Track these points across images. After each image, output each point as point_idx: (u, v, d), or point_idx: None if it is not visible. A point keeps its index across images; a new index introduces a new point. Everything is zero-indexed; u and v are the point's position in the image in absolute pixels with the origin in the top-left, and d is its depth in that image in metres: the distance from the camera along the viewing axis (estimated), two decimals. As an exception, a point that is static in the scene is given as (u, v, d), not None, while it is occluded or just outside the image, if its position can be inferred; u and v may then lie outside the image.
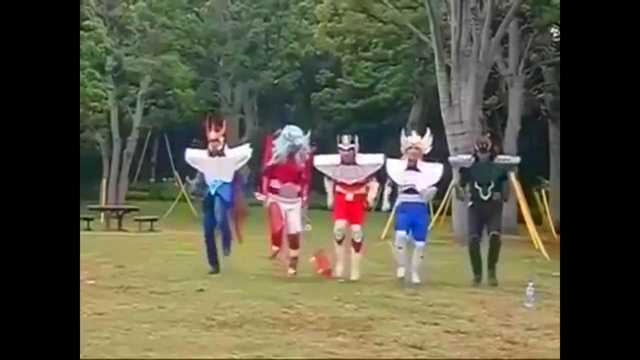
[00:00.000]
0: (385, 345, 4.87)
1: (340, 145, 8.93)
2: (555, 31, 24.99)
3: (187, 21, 28.85)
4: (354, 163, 8.86)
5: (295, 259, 8.67)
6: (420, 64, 27.76)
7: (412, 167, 8.52)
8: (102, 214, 22.26)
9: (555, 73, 23.39)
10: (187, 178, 9.91)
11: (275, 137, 8.71)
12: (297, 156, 8.55)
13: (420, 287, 7.99)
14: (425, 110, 29.80)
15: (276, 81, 31.78)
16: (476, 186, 8.60)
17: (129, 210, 21.16)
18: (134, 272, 8.77)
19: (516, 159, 9.73)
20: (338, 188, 8.94)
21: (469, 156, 9.11)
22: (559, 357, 3.75)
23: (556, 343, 4.79)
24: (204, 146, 9.14)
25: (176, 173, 34.63)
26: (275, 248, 8.62)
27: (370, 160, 9.03)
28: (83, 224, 16.53)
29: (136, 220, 18.96)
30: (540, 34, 23.48)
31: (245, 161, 9.15)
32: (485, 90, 19.00)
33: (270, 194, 8.60)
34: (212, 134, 8.82)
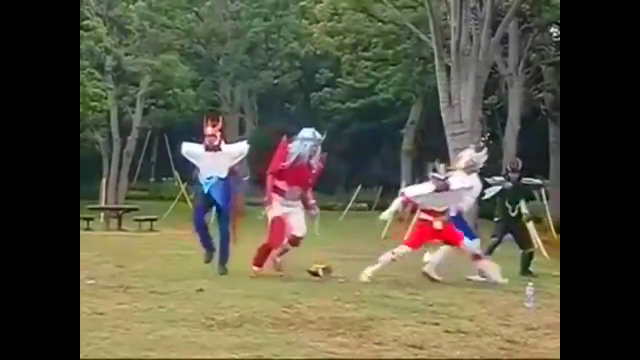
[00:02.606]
0: (385, 345, 4.87)
1: (435, 175, 8.57)
2: (555, 31, 25.01)
3: (187, 21, 28.87)
4: (447, 189, 8.55)
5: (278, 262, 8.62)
6: (420, 64, 27.78)
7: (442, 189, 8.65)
8: (102, 214, 22.27)
9: (555, 73, 23.41)
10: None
11: (292, 140, 8.62)
12: (313, 160, 8.48)
13: (422, 287, 7.99)
14: (425, 110, 29.85)
15: (276, 81, 31.81)
16: (507, 204, 9.40)
17: (129, 210, 21.16)
18: (134, 272, 8.77)
19: (539, 181, 10.28)
20: (424, 215, 8.67)
21: (501, 178, 9.76)
22: (559, 357, 3.75)
23: (556, 343, 4.78)
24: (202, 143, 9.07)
25: (176, 173, 34.66)
26: (257, 269, 8.51)
27: (462, 184, 8.72)
28: (83, 224, 16.53)
29: (136, 220, 18.96)
30: (540, 34, 23.50)
31: (241, 157, 9.03)
32: (485, 90, 19.02)
33: (274, 195, 8.50)
34: (208, 130, 8.75)
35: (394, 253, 8.50)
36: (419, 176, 23.65)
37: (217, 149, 8.74)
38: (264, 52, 30.75)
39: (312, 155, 8.44)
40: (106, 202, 24.90)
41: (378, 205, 30.59)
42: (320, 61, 34.41)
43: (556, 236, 17.01)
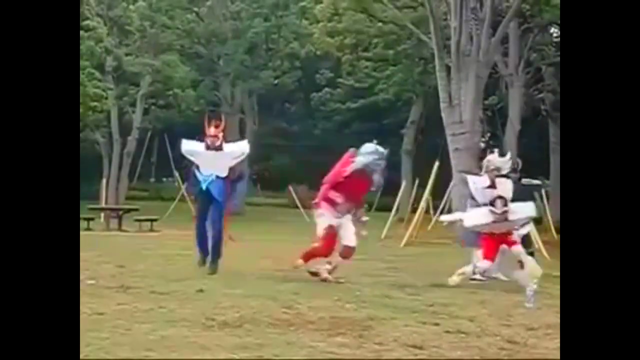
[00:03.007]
0: (385, 345, 4.87)
1: (492, 209, 8.21)
2: (555, 31, 25.02)
3: (187, 21, 28.89)
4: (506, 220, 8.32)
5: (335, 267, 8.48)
6: (420, 64, 27.79)
7: (492, 185, 8.56)
8: (102, 214, 22.27)
9: (555, 73, 23.42)
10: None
11: (355, 153, 8.38)
12: (376, 176, 8.23)
13: (422, 287, 8.00)
14: (425, 110, 29.86)
15: (276, 81, 31.83)
16: None
17: (129, 210, 21.16)
18: (134, 272, 8.77)
19: (538, 181, 10.14)
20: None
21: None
22: (559, 357, 3.75)
23: (556, 343, 4.79)
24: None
25: (176, 173, 34.69)
26: (300, 262, 8.43)
27: (520, 214, 8.45)
28: (83, 224, 16.54)
29: (136, 220, 18.97)
30: (540, 34, 23.50)
31: (242, 157, 9.03)
32: (485, 90, 19.01)
33: (324, 203, 8.29)
34: (211, 130, 8.74)
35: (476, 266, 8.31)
36: (418, 176, 23.70)
37: (219, 148, 8.72)
38: (264, 52, 30.78)
39: (375, 169, 8.20)
40: (106, 202, 24.91)
41: (378, 205, 30.64)
42: (320, 61, 34.44)
43: (556, 236, 17.02)
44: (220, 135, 8.79)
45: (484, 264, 8.27)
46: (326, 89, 35.57)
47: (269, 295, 6.93)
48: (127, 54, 27.26)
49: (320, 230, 8.34)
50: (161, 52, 27.45)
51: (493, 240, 8.34)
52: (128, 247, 13.08)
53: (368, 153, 8.29)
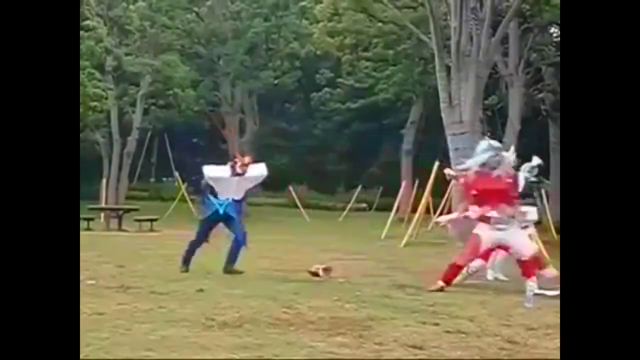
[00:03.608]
0: (385, 345, 4.87)
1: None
2: (555, 31, 25.01)
3: (187, 21, 28.87)
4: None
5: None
6: (420, 64, 27.76)
7: None
8: (102, 214, 22.28)
9: (555, 73, 23.42)
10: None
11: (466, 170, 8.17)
12: (499, 170, 7.80)
13: (422, 287, 8.00)
14: (425, 110, 29.84)
15: (276, 81, 31.81)
16: None
17: (129, 210, 21.17)
18: (134, 272, 8.77)
19: (534, 179, 9.89)
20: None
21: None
22: (559, 357, 3.75)
23: (556, 343, 4.79)
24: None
25: (176, 173, 34.69)
26: (441, 284, 7.91)
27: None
28: (83, 224, 16.55)
29: (136, 220, 18.97)
30: (540, 34, 23.49)
31: (260, 180, 9.42)
32: (485, 90, 19.00)
33: (481, 224, 7.90)
34: (246, 159, 9.18)
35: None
36: (418, 176, 23.71)
37: (243, 174, 9.08)
38: (264, 52, 30.75)
39: (495, 166, 7.80)
40: (106, 202, 24.91)
41: (378, 205, 30.66)
42: (320, 61, 34.42)
43: (556, 236, 17.02)
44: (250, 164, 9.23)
45: (477, 263, 8.29)
46: (326, 89, 35.56)
47: (269, 295, 6.94)
48: (127, 54, 27.24)
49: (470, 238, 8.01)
50: (161, 52, 27.43)
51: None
52: (128, 247, 13.08)
53: (482, 151, 8.01)
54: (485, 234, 7.83)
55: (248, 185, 9.20)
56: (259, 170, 9.35)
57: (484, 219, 7.82)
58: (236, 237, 8.98)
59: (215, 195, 8.98)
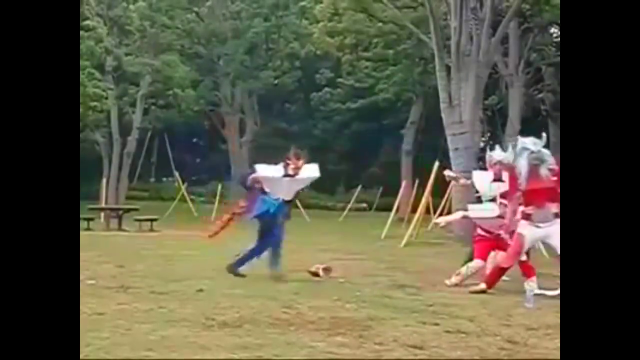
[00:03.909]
0: (385, 345, 4.87)
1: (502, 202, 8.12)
2: (555, 31, 25.03)
3: (187, 21, 28.90)
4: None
5: None
6: (420, 64, 27.79)
7: (498, 179, 8.43)
8: (102, 214, 22.28)
9: (555, 73, 23.43)
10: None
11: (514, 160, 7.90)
12: (542, 170, 7.45)
13: (422, 287, 8.00)
14: (425, 110, 29.86)
15: (276, 81, 31.83)
16: None
17: (129, 210, 21.17)
18: (134, 272, 8.77)
19: None
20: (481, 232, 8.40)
21: None
22: (559, 357, 3.75)
23: (556, 343, 4.79)
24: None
25: (176, 173, 34.70)
26: (483, 286, 7.83)
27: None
28: (83, 224, 16.54)
29: (136, 220, 18.97)
30: (540, 34, 23.51)
31: (311, 180, 9.12)
32: (485, 90, 19.01)
33: (524, 222, 7.67)
34: (300, 162, 8.75)
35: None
36: (418, 176, 23.71)
37: (295, 175, 8.77)
38: (264, 52, 30.79)
39: (537, 163, 7.52)
40: (106, 202, 24.91)
41: (378, 205, 30.67)
42: (320, 61, 34.45)
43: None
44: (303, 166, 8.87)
45: (476, 263, 8.28)
46: (326, 89, 35.58)
47: (269, 295, 6.93)
48: (127, 54, 27.25)
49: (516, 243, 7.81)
50: (161, 52, 27.44)
51: (487, 240, 8.34)
52: (128, 247, 13.08)
53: (521, 150, 7.76)
54: (529, 233, 7.66)
55: (299, 187, 8.97)
56: (310, 172, 9.01)
57: (526, 216, 7.64)
58: (278, 237, 8.68)
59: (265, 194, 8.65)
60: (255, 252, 8.72)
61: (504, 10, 18.80)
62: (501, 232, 8.12)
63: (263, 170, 8.87)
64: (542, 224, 7.48)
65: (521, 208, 7.80)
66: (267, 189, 8.67)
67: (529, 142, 7.71)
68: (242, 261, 8.70)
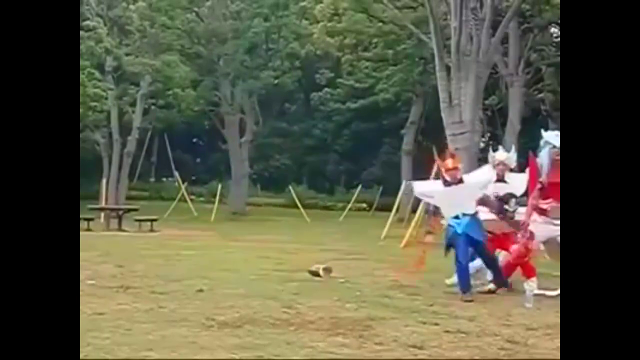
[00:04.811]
0: (385, 345, 4.87)
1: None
2: (555, 31, 25.03)
3: (187, 21, 28.87)
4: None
5: None
6: (420, 64, 27.80)
7: (501, 179, 8.27)
8: (102, 214, 22.27)
9: (555, 73, 23.43)
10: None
11: (537, 153, 7.83)
12: None
13: (422, 287, 8.00)
14: (425, 110, 29.86)
15: (276, 81, 31.80)
16: None
17: (129, 210, 21.17)
18: (134, 272, 8.77)
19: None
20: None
21: None
22: (559, 357, 3.75)
23: (556, 343, 4.79)
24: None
25: (176, 173, 34.69)
26: (491, 287, 7.72)
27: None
28: (83, 224, 16.54)
29: (136, 220, 18.98)
30: (540, 34, 23.52)
31: (488, 185, 7.87)
32: (485, 90, 19.01)
33: (536, 214, 7.60)
34: (449, 162, 7.69)
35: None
36: (418, 176, 23.68)
37: (459, 181, 7.66)
38: (264, 52, 30.76)
39: (558, 158, 7.26)
40: (106, 202, 24.90)
41: (378, 205, 30.65)
42: (320, 61, 34.47)
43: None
44: (460, 166, 7.82)
45: (477, 263, 8.28)
46: (326, 89, 35.59)
47: (269, 295, 6.94)
48: (127, 54, 27.24)
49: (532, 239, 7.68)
50: (161, 52, 27.42)
51: (489, 241, 8.34)
52: (128, 247, 13.08)
53: (544, 143, 7.67)
54: (541, 229, 7.57)
55: (473, 193, 7.66)
56: (483, 175, 8.01)
57: (541, 212, 7.57)
58: (489, 260, 7.72)
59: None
60: (492, 261, 7.76)
61: (504, 10, 18.81)
62: (503, 231, 8.11)
63: (420, 186, 8.07)
64: (557, 221, 7.14)
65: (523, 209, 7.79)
66: (441, 208, 7.74)
67: (552, 137, 7.66)
68: (499, 278, 7.74)
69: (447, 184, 7.61)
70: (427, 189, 7.97)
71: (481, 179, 7.92)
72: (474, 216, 7.56)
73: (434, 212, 8.06)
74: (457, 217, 7.53)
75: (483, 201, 7.91)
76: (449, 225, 7.63)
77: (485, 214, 8.08)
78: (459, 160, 7.75)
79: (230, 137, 30.56)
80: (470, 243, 7.53)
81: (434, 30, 17.33)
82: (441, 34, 17.60)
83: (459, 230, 7.46)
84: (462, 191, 7.56)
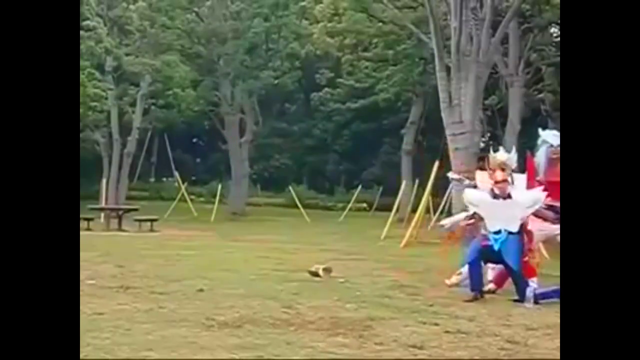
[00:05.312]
0: (385, 345, 4.87)
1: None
2: (555, 31, 25.03)
3: (187, 21, 28.86)
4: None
5: None
6: (420, 64, 27.79)
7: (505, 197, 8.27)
8: (102, 214, 22.27)
9: (555, 73, 23.43)
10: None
11: (534, 152, 7.78)
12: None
13: (422, 287, 8.00)
14: (425, 110, 29.85)
15: (276, 81, 31.80)
16: None
17: (129, 210, 21.17)
18: (134, 272, 8.77)
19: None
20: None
21: None
22: (559, 357, 3.75)
23: (556, 343, 4.79)
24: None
25: (176, 173, 34.68)
26: (492, 286, 7.69)
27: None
28: (83, 224, 16.54)
29: (136, 220, 18.98)
30: (540, 34, 23.51)
31: (537, 206, 7.48)
32: (485, 90, 19.01)
33: (534, 219, 7.57)
34: (497, 175, 7.43)
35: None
36: (418, 176, 23.72)
37: (508, 197, 7.41)
38: (264, 52, 30.75)
39: (555, 157, 7.34)
40: (106, 202, 24.90)
41: (378, 205, 30.66)
42: (320, 61, 34.46)
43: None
44: (510, 179, 7.52)
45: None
46: (326, 89, 35.57)
47: (269, 295, 6.94)
48: (127, 54, 27.23)
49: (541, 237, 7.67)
50: (161, 52, 27.41)
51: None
52: (128, 247, 13.08)
53: (542, 142, 7.63)
54: (538, 229, 7.50)
55: (519, 212, 7.32)
56: (532, 195, 7.55)
57: (548, 207, 7.45)
58: (520, 283, 7.30)
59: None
60: (521, 280, 7.37)
61: (504, 10, 18.80)
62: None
63: (471, 193, 7.79)
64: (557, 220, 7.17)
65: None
66: (485, 218, 7.51)
67: (550, 136, 7.64)
68: (524, 293, 7.25)
69: (495, 196, 7.39)
70: (477, 197, 7.69)
71: (530, 198, 7.56)
72: (515, 235, 7.26)
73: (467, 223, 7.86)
74: (498, 232, 7.27)
75: (537, 215, 7.65)
76: (485, 239, 7.37)
77: (538, 223, 7.72)
78: (508, 173, 7.47)
79: (230, 137, 30.55)
80: (495, 259, 7.37)
81: (434, 30, 17.32)
82: (441, 34, 17.59)
83: (496, 247, 7.24)
84: (510, 209, 7.29)
